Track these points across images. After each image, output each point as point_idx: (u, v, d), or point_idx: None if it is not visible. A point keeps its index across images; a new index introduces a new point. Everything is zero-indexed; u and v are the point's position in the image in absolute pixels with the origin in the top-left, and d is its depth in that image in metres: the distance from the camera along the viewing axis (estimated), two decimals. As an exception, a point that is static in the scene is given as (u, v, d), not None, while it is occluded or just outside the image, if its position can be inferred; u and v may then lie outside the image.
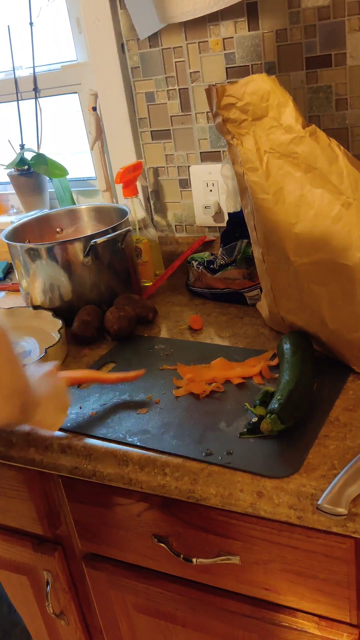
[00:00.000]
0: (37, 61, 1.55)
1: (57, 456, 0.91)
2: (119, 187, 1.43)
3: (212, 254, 1.30)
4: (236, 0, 1.09)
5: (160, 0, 1.15)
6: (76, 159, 1.67)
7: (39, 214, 1.41)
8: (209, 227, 1.44)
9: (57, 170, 1.58)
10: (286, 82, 1.21)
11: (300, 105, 1.20)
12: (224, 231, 1.28)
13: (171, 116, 1.36)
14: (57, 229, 1.41)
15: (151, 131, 1.40)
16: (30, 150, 1.61)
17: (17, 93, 1.60)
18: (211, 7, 1.11)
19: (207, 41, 1.26)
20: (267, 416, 0.82)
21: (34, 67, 1.55)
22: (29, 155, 1.60)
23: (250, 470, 0.78)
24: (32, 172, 1.59)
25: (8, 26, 1.57)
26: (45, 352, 1.07)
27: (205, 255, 1.30)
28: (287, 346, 0.95)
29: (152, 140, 1.41)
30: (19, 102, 1.60)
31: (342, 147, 0.89)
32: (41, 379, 0.85)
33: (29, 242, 1.32)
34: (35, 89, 1.57)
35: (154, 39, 1.30)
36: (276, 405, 0.82)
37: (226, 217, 1.30)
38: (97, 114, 1.46)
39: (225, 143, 0.99)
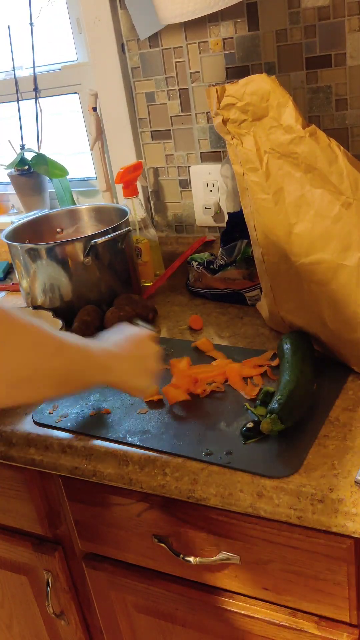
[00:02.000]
0: (37, 61, 1.55)
1: (57, 456, 0.91)
2: (119, 187, 1.43)
3: (212, 254, 1.30)
4: (236, 0, 1.09)
5: (160, 1, 1.15)
6: (76, 159, 1.67)
7: (39, 214, 1.41)
8: (209, 227, 1.44)
9: (57, 171, 1.58)
10: (286, 82, 1.21)
11: (300, 106, 1.20)
12: (223, 231, 1.28)
13: (171, 116, 1.36)
14: (57, 229, 1.41)
15: (151, 131, 1.40)
16: (30, 150, 1.61)
17: (17, 93, 1.60)
18: (211, 7, 1.11)
19: (207, 41, 1.26)
20: (267, 416, 0.82)
21: (34, 67, 1.55)
22: (29, 156, 1.60)
23: (250, 470, 0.78)
24: (32, 172, 1.59)
25: (8, 26, 1.57)
26: (46, 352, 1.06)
27: (205, 255, 1.30)
28: (287, 346, 0.95)
29: (152, 140, 1.41)
30: (19, 102, 1.60)
31: (342, 147, 0.89)
32: (131, 342, 0.85)
33: (29, 242, 1.32)
34: (36, 89, 1.57)
35: (154, 39, 1.31)
36: (276, 405, 0.82)
37: (226, 217, 1.30)
38: (97, 114, 1.46)
39: (225, 143, 0.99)
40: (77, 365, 0.77)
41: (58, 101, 1.62)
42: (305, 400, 0.86)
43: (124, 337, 0.88)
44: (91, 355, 0.80)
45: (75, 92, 1.56)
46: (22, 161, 1.59)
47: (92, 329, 1.15)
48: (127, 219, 1.25)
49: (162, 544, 0.91)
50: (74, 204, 1.63)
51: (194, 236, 1.46)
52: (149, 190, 1.47)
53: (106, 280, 1.23)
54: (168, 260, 1.43)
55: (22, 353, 0.69)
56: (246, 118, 0.92)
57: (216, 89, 0.93)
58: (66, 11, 1.49)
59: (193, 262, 1.29)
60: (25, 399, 0.73)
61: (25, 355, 0.69)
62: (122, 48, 1.35)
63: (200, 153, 1.37)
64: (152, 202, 1.48)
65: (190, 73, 1.30)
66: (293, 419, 0.83)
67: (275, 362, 0.99)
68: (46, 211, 1.45)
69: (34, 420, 0.96)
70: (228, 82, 1.24)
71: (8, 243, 1.23)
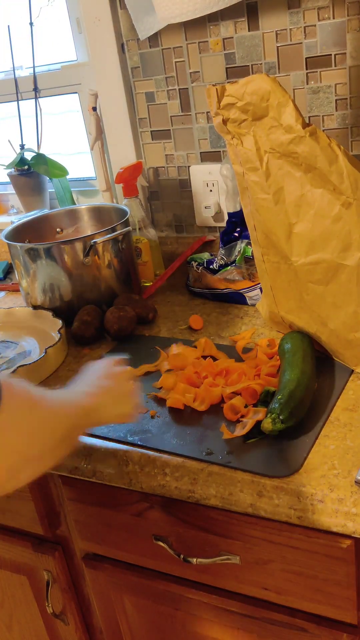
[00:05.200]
0: (37, 61, 1.55)
1: (57, 456, 0.90)
2: (119, 187, 1.43)
3: (212, 254, 1.30)
4: (236, 0, 1.09)
5: (160, 1, 1.15)
6: (76, 159, 1.67)
7: (39, 214, 1.41)
8: (209, 227, 1.44)
9: (57, 170, 1.58)
10: (286, 82, 1.21)
11: (300, 105, 1.20)
12: (223, 231, 1.28)
13: (171, 116, 1.36)
14: (57, 229, 1.41)
15: (151, 131, 1.40)
16: (30, 150, 1.61)
17: (17, 93, 1.60)
18: (211, 7, 1.11)
19: (207, 41, 1.26)
20: (268, 416, 0.82)
21: (34, 67, 1.55)
22: (29, 155, 1.60)
23: (250, 470, 0.78)
24: (32, 172, 1.59)
25: (8, 26, 1.57)
26: (46, 352, 1.07)
27: (205, 255, 1.30)
28: (287, 346, 0.95)
29: (152, 140, 1.41)
30: (19, 102, 1.60)
31: (342, 147, 0.89)
32: (107, 379, 0.83)
33: (29, 242, 1.32)
34: (35, 89, 1.57)
35: (154, 39, 1.31)
36: (276, 405, 0.82)
37: (226, 217, 1.30)
38: (97, 114, 1.46)
39: (225, 143, 0.99)
40: (74, 423, 0.74)
41: (58, 101, 1.62)
42: (305, 400, 0.86)
43: (96, 376, 0.84)
44: (81, 406, 0.76)
45: (75, 92, 1.56)
46: (22, 161, 1.59)
47: (92, 329, 1.15)
48: (127, 219, 1.25)
49: (162, 544, 0.91)
50: (74, 203, 1.63)
51: (194, 236, 1.46)
52: (149, 190, 1.47)
53: (106, 280, 1.23)
54: (168, 260, 1.43)
55: (32, 436, 0.65)
56: (246, 118, 0.92)
57: (216, 89, 0.93)
58: (66, 11, 1.49)
59: (193, 262, 1.29)
60: (32, 477, 0.68)
61: (35, 436, 0.66)
62: (122, 48, 1.35)
63: (200, 153, 1.37)
64: (152, 202, 1.48)
65: (190, 73, 1.30)
66: (293, 418, 0.83)
67: (276, 362, 0.99)
68: (46, 211, 1.45)
69: (33, 420, 0.96)
70: (228, 82, 1.24)
71: (8, 243, 1.23)
